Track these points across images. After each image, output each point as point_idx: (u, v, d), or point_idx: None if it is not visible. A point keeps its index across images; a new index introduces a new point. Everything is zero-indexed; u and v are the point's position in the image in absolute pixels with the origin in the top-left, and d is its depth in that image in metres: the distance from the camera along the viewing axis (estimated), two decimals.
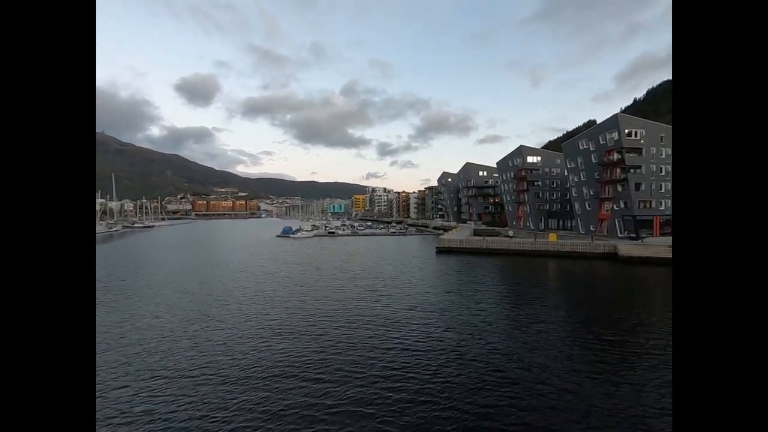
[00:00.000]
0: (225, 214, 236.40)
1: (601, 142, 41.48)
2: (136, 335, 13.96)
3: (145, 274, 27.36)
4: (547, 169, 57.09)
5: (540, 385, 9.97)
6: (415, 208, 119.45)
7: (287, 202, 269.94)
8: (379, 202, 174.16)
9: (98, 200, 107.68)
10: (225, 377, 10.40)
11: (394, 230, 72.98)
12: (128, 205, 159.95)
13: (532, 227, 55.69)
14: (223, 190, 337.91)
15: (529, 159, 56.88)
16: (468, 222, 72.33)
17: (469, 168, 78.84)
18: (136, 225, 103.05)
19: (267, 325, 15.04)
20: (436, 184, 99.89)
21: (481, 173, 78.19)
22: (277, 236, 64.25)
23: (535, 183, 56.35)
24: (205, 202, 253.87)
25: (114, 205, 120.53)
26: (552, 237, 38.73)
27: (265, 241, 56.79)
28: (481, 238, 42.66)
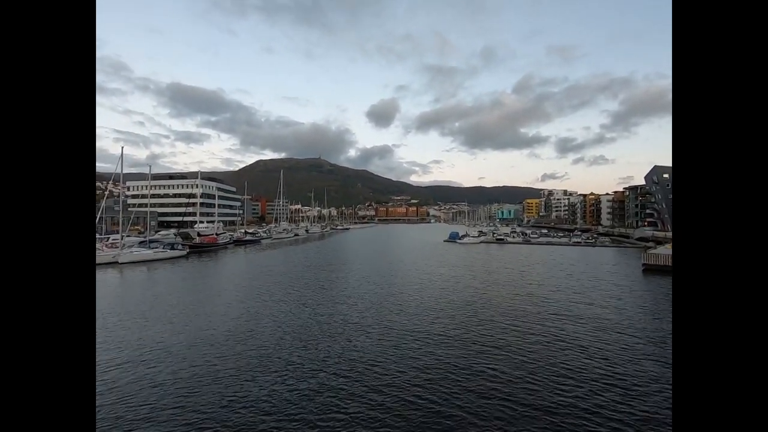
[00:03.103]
0: (400, 219, 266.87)
1: None
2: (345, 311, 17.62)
3: (345, 264, 34.38)
4: None
5: None
6: (608, 213, 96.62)
7: (454, 208, 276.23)
8: (557, 207, 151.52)
9: (316, 208, 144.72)
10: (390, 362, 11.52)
11: (579, 240, 61.14)
12: (333, 211, 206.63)
13: None
14: (399, 198, 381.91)
15: None
16: None
17: None
18: (338, 227, 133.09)
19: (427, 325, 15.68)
20: (642, 182, 77.28)
21: None
22: (444, 241, 66.62)
23: None
24: (384, 209, 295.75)
25: (325, 212, 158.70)
26: None
27: (433, 245, 59.96)
28: None
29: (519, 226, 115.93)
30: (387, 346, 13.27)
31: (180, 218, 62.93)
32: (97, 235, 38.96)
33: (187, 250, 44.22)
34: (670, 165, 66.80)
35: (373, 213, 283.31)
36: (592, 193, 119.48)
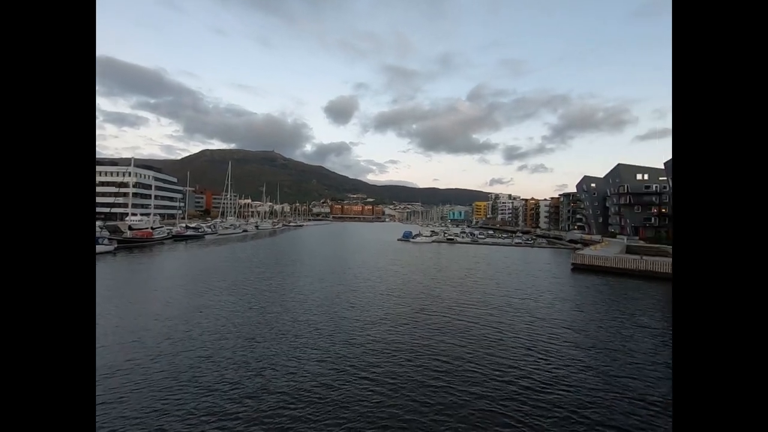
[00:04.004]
0: (355, 217, 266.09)
1: None
2: (289, 306, 17.14)
3: (297, 262, 33.43)
4: None
5: None
6: (546, 217, 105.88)
7: (408, 208, 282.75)
8: (502, 210, 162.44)
9: (267, 203, 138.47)
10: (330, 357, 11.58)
11: (520, 241, 66.27)
12: (286, 207, 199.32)
13: None
14: (355, 196, 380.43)
15: None
16: (618, 237, 59.17)
17: (622, 170, 64.68)
18: (291, 224, 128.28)
19: (378, 318, 15.99)
20: (574, 190, 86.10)
21: (639, 176, 62.97)
22: (397, 240, 67.92)
23: None
24: (340, 206, 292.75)
25: (277, 207, 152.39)
26: None
27: (387, 243, 60.84)
28: (638, 257, 34.19)
29: (468, 226, 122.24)
30: (337, 341, 13.23)
31: (108, 209, 56.05)
32: None
33: (115, 246, 39.82)
34: (598, 176, 75.56)
35: (328, 210, 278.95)
36: (532, 198, 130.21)
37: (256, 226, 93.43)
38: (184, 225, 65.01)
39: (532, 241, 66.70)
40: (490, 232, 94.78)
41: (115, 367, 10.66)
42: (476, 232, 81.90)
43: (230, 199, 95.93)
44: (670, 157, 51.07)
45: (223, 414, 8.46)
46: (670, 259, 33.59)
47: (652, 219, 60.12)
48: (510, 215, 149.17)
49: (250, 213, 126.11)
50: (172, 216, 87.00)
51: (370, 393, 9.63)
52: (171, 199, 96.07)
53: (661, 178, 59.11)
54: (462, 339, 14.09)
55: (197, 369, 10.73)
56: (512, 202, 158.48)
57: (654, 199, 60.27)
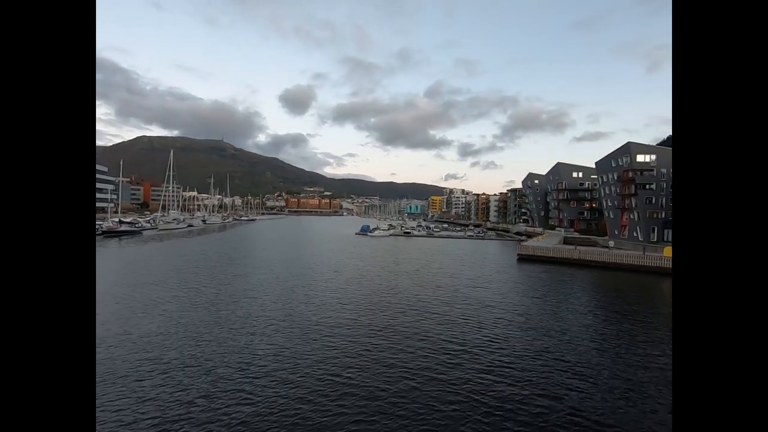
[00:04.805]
0: (312, 211, 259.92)
1: None
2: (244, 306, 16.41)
3: (249, 258, 31.93)
4: (664, 170, 47.75)
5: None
6: (495, 211, 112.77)
7: (366, 202, 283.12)
8: (456, 204, 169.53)
9: (216, 196, 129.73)
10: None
11: (472, 233, 70.02)
12: (237, 200, 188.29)
13: (640, 238, 47.25)
14: (312, 189, 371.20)
15: (640, 158, 48.25)
16: (557, 229, 65.12)
17: (560, 168, 70.92)
18: (242, 218, 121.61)
19: (340, 312, 16.05)
20: (520, 186, 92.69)
21: (575, 174, 69.56)
22: (355, 234, 67.88)
23: (647, 186, 47.56)
24: (296, 200, 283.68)
25: (227, 200, 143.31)
26: (667, 251, 32.27)
27: (345, 237, 60.54)
28: (573, 247, 37.99)
29: (425, 220, 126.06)
30: (292, 337, 13.01)
31: None
32: None
33: None
34: (540, 173, 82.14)
35: (283, 204, 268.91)
36: (483, 193, 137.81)
37: (204, 221, 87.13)
38: (117, 219, 58.50)
39: (483, 234, 70.81)
40: (445, 225, 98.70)
41: None
42: (432, 226, 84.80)
43: (173, 191, 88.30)
44: (600, 156, 57.33)
45: (174, 418, 7.95)
46: (598, 248, 37.94)
47: (585, 213, 67.11)
48: (463, 209, 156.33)
49: (196, 206, 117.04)
50: (103, 210, 77.86)
51: (328, 384, 9.67)
52: (101, 190, 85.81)
53: (592, 176, 65.82)
54: (418, 328, 14.64)
55: (140, 371, 9.90)
56: (465, 197, 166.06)
57: (587, 195, 67.20)
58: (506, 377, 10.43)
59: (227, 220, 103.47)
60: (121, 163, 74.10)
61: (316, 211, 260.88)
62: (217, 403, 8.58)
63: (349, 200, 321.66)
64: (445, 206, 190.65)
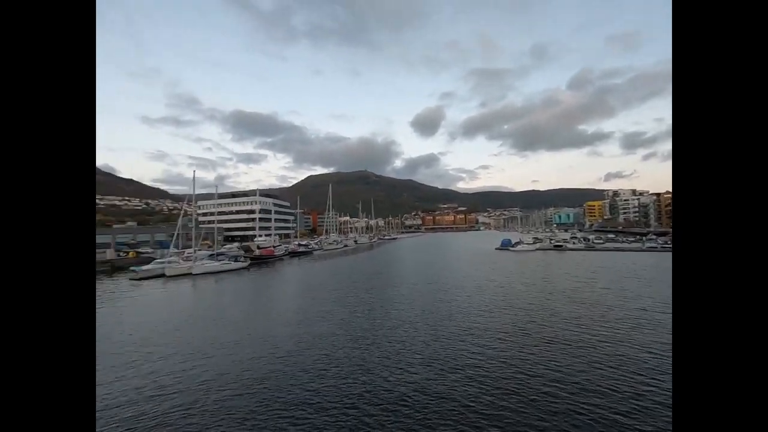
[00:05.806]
0: (447, 227, 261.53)
1: None
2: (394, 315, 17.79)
3: (393, 276, 34.63)
4: None
5: None
6: None
7: (505, 214, 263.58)
8: (625, 209, 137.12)
9: (363, 219, 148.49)
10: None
11: (654, 245, 54.17)
12: (380, 221, 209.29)
13: None
14: (446, 206, 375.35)
15: None
16: None
17: None
18: (386, 237, 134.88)
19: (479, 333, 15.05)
20: None
21: None
22: (495, 249, 63.73)
23: None
24: (431, 217, 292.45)
25: (372, 222, 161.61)
26: None
27: (485, 253, 57.63)
28: None
29: (580, 231, 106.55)
30: (438, 348, 13.04)
31: (242, 232, 68.64)
32: (175, 249, 44.03)
33: (249, 262, 47.92)
34: None
35: (420, 222, 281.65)
36: (667, 192, 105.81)
37: (355, 241, 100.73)
38: (297, 243, 74.62)
39: (671, 245, 53.82)
40: (610, 235, 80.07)
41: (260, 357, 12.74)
42: (591, 237, 70.64)
43: (332, 218, 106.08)
44: None
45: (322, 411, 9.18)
46: None
47: None
48: (636, 214, 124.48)
49: (349, 229, 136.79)
50: (288, 235, 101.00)
51: (473, 394, 9.15)
52: (286, 221, 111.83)
53: None
54: (578, 359, 12.20)
55: (312, 371, 11.97)
56: (638, 199, 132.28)
57: None
58: None
59: (373, 240, 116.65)
60: (298, 199, 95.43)
61: (452, 227, 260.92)
62: (377, 399, 9.37)
63: (485, 214, 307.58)
64: (608, 212, 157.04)
